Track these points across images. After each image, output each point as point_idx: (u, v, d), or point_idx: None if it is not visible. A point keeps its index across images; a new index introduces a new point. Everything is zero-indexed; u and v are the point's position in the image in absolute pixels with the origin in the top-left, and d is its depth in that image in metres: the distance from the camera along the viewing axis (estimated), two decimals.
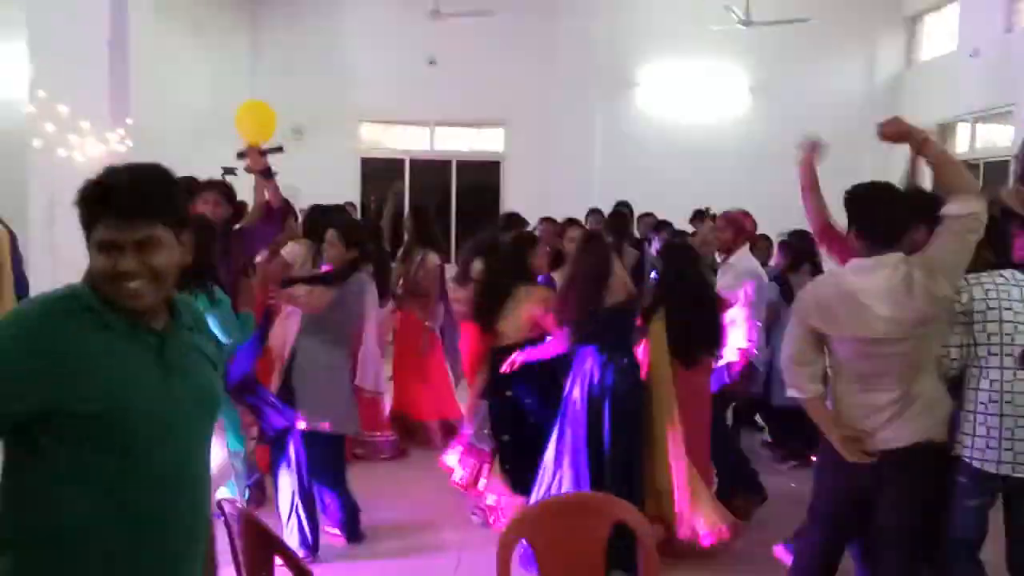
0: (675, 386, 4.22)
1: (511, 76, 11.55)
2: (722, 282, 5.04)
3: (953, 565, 3.11)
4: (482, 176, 12.34)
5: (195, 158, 6.71)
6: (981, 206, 2.86)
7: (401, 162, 12.29)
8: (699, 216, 7.49)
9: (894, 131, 3.05)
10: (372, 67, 11.66)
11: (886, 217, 2.95)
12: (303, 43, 11.57)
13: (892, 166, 11.55)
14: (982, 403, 2.99)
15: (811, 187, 3.60)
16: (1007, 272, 3.10)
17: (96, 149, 6.35)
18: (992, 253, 3.11)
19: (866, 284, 2.90)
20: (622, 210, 7.80)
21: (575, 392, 4.11)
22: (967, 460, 3.00)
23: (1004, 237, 3.29)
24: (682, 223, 7.60)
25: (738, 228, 5.23)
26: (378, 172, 12.18)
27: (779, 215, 5.42)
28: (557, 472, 4.11)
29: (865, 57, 12.05)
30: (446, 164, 12.35)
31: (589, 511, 2.77)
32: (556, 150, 11.57)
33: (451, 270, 6.29)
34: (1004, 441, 2.94)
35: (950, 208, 2.87)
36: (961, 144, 10.58)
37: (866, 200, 2.99)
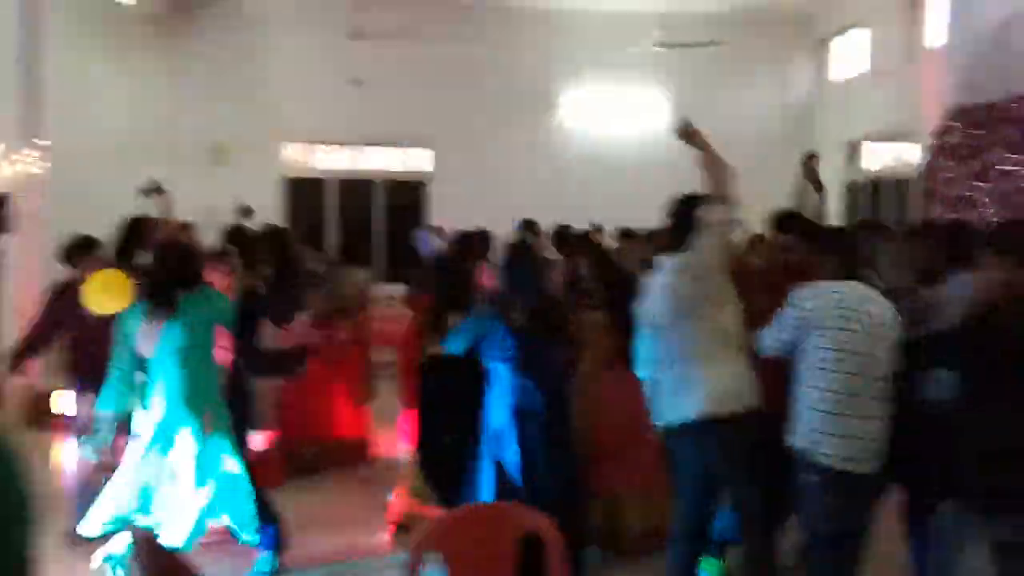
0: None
1: (437, 97, 11.64)
2: None
3: (810, 554, 3.39)
4: (408, 196, 12.35)
5: (115, 180, 6.60)
6: (734, 213, 3.39)
7: (325, 182, 12.27)
8: (597, 231, 7.67)
9: (683, 132, 3.75)
10: (296, 88, 11.59)
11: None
12: (224, 64, 11.41)
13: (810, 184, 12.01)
14: (825, 402, 3.19)
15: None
16: (852, 283, 3.30)
17: (6, 169, 6.20)
18: (842, 264, 3.37)
19: (651, 281, 3.60)
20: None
21: (495, 407, 4.13)
22: (810, 457, 3.22)
23: (856, 251, 3.54)
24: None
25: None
26: (303, 193, 12.14)
27: None
28: (477, 485, 4.12)
29: (779, 78, 12.48)
30: (371, 184, 12.34)
31: (498, 521, 2.80)
32: (482, 170, 11.69)
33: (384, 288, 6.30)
34: (840, 439, 3.17)
35: (707, 214, 3.42)
36: (870, 163, 11.01)
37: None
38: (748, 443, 3.46)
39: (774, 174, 9.66)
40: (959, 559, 2.97)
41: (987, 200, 7.57)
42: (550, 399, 4.07)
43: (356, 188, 12.33)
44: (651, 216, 6.33)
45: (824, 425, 3.19)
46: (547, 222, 7.94)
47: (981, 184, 7.67)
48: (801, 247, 3.92)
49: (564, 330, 4.31)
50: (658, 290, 3.53)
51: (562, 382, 4.21)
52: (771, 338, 3.39)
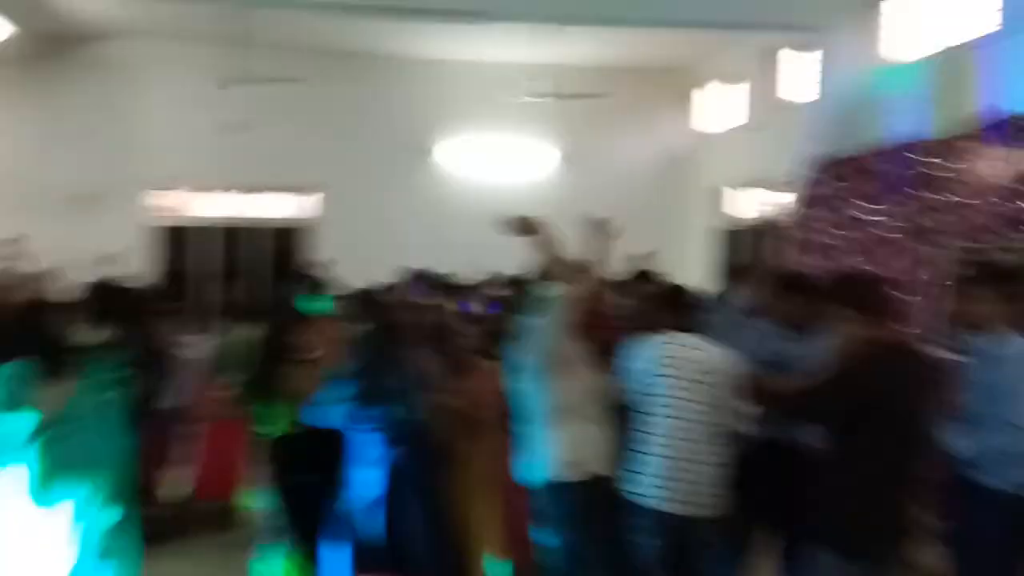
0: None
1: (324, 143, 11.56)
2: None
3: None
4: (290, 242, 12.13)
5: None
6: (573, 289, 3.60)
7: (206, 230, 11.94)
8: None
9: (518, 227, 4.02)
10: (169, 133, 11.28)
11: None
12: (91, 110, 11.01)
13: (687, 231, 12.43)
14: (654, 447, 3.42)
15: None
16: (681, 336, 3.54)
17: None
18: (673, 318, 3.63)
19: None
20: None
21: (359, 472, 4.01)
22: (637, 500, 3.43)
23: (690, 306, 3.76)
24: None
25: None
26: (190, 240, 11.83)
27: None
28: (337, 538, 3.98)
29: (657, 129, 12.84)
30: (259, 230, 12.09)
31: None
32: (369, 216, 11.59)
33: None
34: (668, 481, 3.37)
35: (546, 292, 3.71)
36: (744, 211, 11.43)
37: None
38: (588, 509, 3.58)
39: (648, 219, 9.98)
40: None
41: (849, 249, 7.94)
42: (424, 460, 4.01)
43: (238, 236, 12.02)
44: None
45: (654, 469, 3.38)
46: (438, 268, 7.92)
47: (844, 233, 8.05)
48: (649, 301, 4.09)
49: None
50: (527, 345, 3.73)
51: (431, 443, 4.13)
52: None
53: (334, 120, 11.64)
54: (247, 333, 5.43)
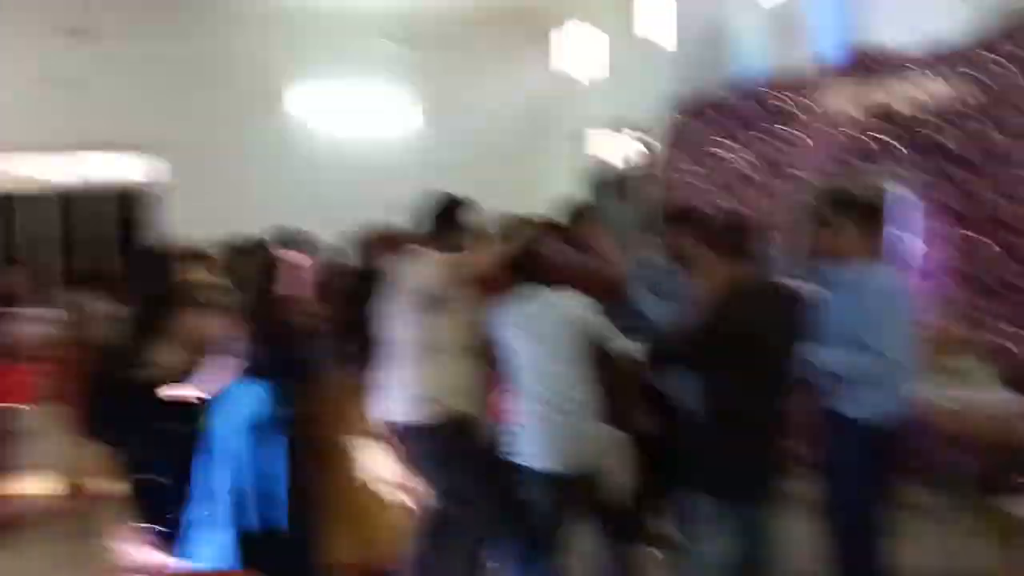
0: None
1: (163, 99, 10.83)
2: None
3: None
4: (128, 207, 11.34)
5: None
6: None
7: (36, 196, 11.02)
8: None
9: None
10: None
11: None
12: None
13: (549, 178, 12.38)
14: (525, 405, 3.40)
15: None
16: (536, 292, 3.45)
17: None
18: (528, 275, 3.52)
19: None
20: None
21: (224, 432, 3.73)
22: (520, 461, 3.40)
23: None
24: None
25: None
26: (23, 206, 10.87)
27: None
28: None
29: (519, 76, 12.64)
30: (96, 195, 11.24)
31: None
32: (215, 175, 10.94)
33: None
34: (540, 437, 3.35)
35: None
36: (607, 156, 11.45)
37: None
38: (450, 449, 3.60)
39: (515, 170, 9.85)
40: (711, 547, 3.02)
41: (710, 187, 8.05)
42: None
43: (76, 201, 11.14)
44: (398, 217, 6.18)
45: (528, 428, 3.37)
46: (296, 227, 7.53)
47: (704, 172, 8.15)
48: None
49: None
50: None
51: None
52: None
53: (178, 73, 10.94)
54: (104, 308, 5.00)
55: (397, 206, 8.41)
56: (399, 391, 3.69)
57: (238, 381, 3.73)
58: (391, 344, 3.72)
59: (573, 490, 3.40)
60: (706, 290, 3.04)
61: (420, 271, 3.66)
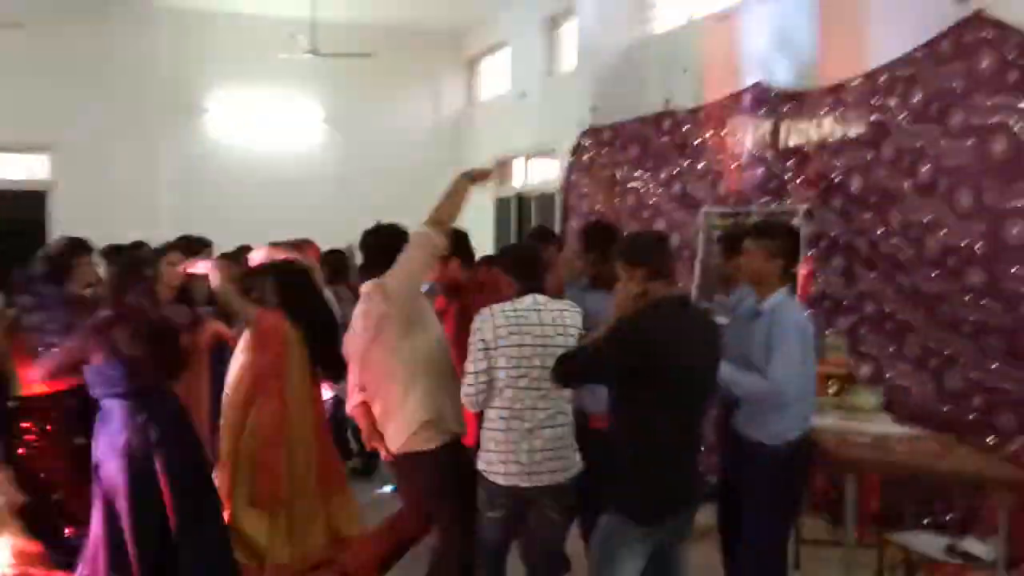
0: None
1: (57, 95, 10.32)
2: None
3: (480, 571, 3.47)
4: (24, 208, 10.74)
5: None
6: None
7: None
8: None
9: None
10: None
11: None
12: None
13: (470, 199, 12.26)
14: (499, 420, 3.25)
15: None
16: (528, 298, 3.31)
17: None
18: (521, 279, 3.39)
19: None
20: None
21: (105, 455, 3.56)
22: (483, 473, 3.29)
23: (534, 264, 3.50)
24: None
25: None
26: None
27: (351, 240, 5.35)
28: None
29: (431, 94, 12.70)
30: None
31: None
32: (114, 178, 10.61)
33: None
34: (511, 455, 3.23)
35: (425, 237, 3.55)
36: (517, 179, 11.55)
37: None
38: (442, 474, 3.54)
39: (422, 187, 9.75)
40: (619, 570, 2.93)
41: (617, 214, 8.19)
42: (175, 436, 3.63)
43: None
44: (301, 228, 6.06)
45: (497, 445, 3.25)
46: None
47: (609, 199, 8.28)
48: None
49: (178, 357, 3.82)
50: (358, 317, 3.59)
51: (185, 415, 3.78)
52: (469, 381, 3.25)
53: (75, 72, 10.49)
54: None
55: (300, 218, 8.31)
56: (396, 417, 3.56)
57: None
58: (376, 374, 3.59)
59: (535, 505, 3.31)
60: (622, 306, 2.97)
61: (374, 300, 3.51)
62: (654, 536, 2.93)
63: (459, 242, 4.07)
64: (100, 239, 6.78)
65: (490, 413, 3.28)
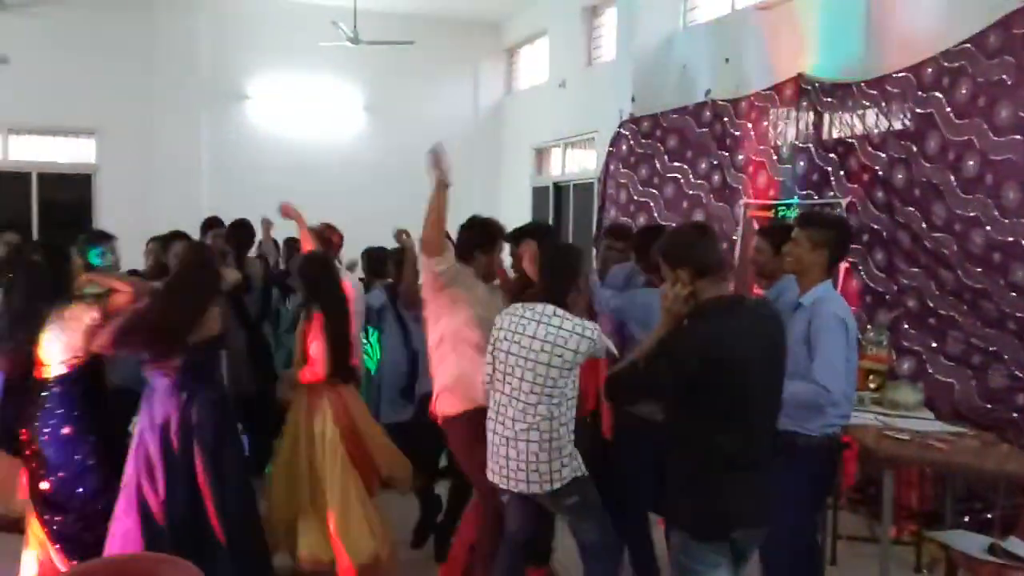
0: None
1: (102, 79, 10.50)
2: None
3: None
4: (70, 190, 10.96)
5: None
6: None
7: None
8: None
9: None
10: None
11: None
12: None
13: (500, 188, 12.45)
14: (488, 420, 3.37)
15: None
16: (540, 306, 3.29)
17: None
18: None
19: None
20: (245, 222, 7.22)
21: (147, 434, 3.63)
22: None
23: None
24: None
25: (323, 241, 5.21)
26: None
27: (390, 231, 5.39)
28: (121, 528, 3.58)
29: (470, 82, 12.73)
30: (25, 176, 10.77)
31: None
32: (158, 162, 10.76)
33: None
34: (494, 456, 3.34)
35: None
36: (555, 168, 11.54)
37: None
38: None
39: (462, 176, 9.76)
40: None
41: (656, 205, 8.16)
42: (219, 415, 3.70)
43: (7, 181, 10.70)
44: (339, 215, 6.11)
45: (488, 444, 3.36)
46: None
47: (651, 190, 8.25)
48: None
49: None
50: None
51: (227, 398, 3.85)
52: (488, 370, 3.40)
53: (121, 58, 10.67)
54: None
55: (339, 205, 8.35)
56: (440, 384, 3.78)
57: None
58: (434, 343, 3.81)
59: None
60: (670, 310, 2.71)
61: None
62: (715, 550, 2.68)
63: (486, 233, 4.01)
64: (143, 222, 6.97)
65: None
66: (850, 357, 3.40)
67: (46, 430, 3.65)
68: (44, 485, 3.69)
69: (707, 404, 2.59)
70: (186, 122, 11.01)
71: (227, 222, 6.12)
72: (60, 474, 3.67)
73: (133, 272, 5.27)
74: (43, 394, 3.68)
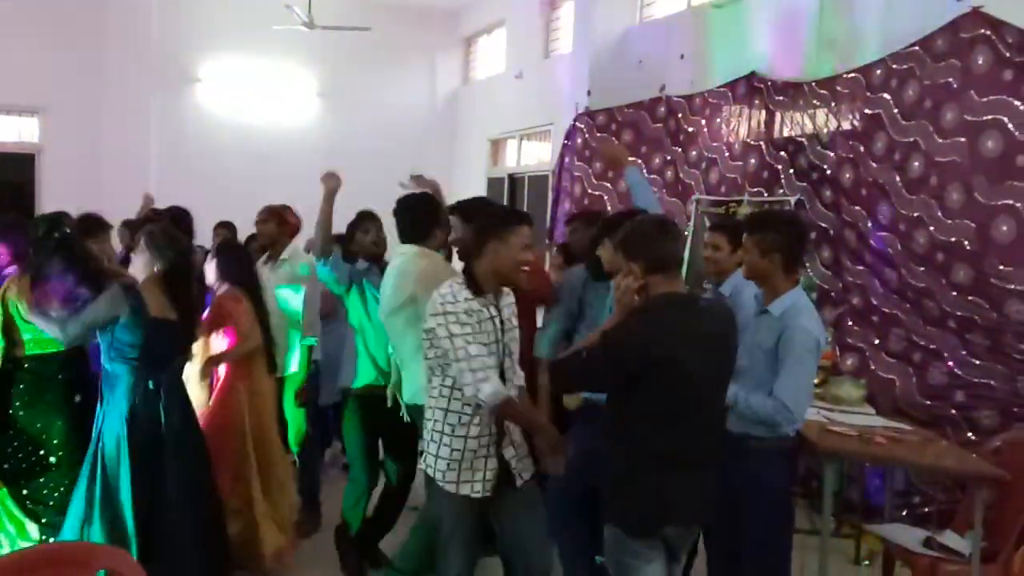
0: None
1: (48, 57, 10.23)
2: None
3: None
4: (12, 169, 10.65)
5: None
6: None
7: None
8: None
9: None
10: None
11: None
12: None
13: (454, 178, 12.38)
14: (450, 425, 2.98)
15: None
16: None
17: None
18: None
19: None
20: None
21: (105, 421, 3.54)
22: (436, 480, 3.00)
23: None
24: (246, 225, 7.23)
25: (280, 220, 5.15)
26: None
27: (341, 218, 5.33)
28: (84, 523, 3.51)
29: (427, 71, 12.62)
30: None
31: (64, 565, 2.33)
32: (105, 144, 10.51)
33: None
34: (464, 463, 2.96)
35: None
36: (510, 159, 11.52)
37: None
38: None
39: (417, 166, 9.71)
40: None
41: (610, 198, 8.19)
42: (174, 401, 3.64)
43: None
44: (291, 202, 6.02)
45: (434, 442, 3.02)
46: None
47: (605, 183, 8.28)
48: None
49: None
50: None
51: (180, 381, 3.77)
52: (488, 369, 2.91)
53: (68, 36, 10.40)
54: None
55: (291, 191, 8.22)
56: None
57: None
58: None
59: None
60: (621, 302, 2.68)
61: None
62: (659, 545, 2.67)
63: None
64: (87, 204, 6.76)
65: (440, 415, 3.03)
66: (810, 361, 3.19)
67: None
68: None
69: (644, 401, 2.57)
70: (135, 103, 10.76)
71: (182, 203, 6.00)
72: None
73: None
74: None
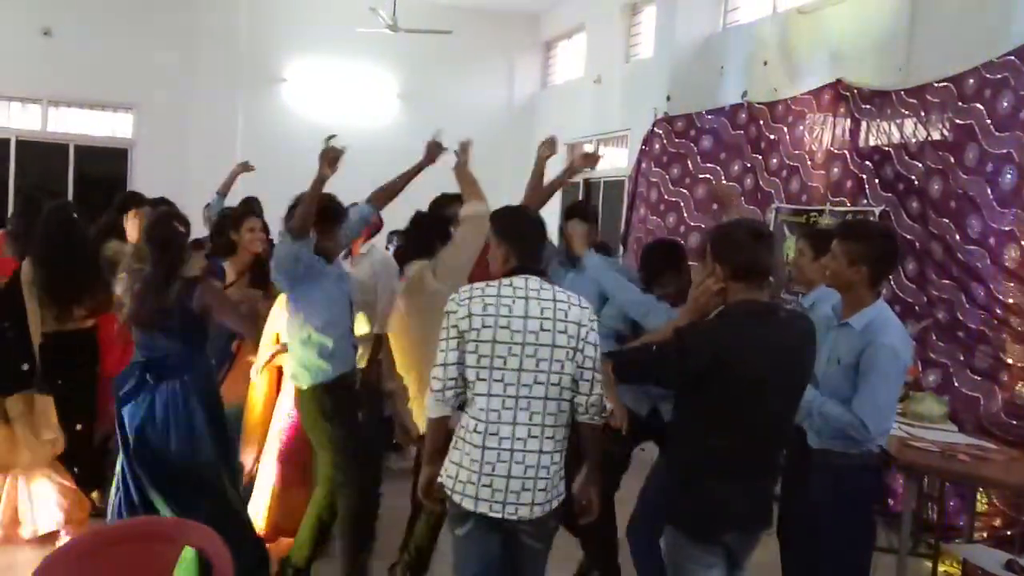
0: None
1: (142, 56, 10.63)
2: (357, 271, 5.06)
3: None
4: (106, 163, 11.09)
5: None
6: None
7: (5, 142, 10.71)
8: None
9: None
10: None
11: None
12: None
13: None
14: (466, 430, 2.69)
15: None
16: (519, 280, 2.71)
17: None
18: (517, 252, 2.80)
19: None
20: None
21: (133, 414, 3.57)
22: (448, 492, 2.72)
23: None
24: None
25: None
26: None
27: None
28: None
29: (506, 75, 12.71)
30: (62, 148, 10.91)
31: (155, 539, 2.43)
32: (193, 140, 10.85)
33: None
34: (484, 476, 2.63)
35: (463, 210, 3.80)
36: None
37: None
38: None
39: (494, 169, 9.79)
40: None
41: (686, 205, 8.13)
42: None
43: (45, 152, 10.84)
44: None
45: (465, 460, 2.67)
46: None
47: (682, 190, 8.22)
48: None
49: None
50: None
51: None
52: (436, 375, 2.68)
53: (160, 35, 10.77)
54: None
55: (369, 190, 8.34)
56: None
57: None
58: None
59: (520, 537, 2.86)
60: (697, 300, 2.68)
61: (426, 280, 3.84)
62: (719, 551, 2.65)
63: None
64: (176, 197, 7.01)
65: (466, 420, 2.71)
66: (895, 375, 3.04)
67: None
68: None
69: (707, 405, 2.55)
70: (223, 101, 11.10)
71: (262, 202, 6.15)
72: None
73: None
74: None
